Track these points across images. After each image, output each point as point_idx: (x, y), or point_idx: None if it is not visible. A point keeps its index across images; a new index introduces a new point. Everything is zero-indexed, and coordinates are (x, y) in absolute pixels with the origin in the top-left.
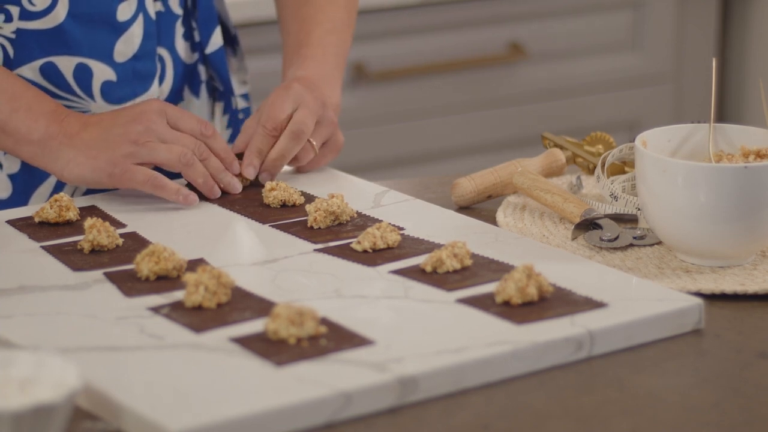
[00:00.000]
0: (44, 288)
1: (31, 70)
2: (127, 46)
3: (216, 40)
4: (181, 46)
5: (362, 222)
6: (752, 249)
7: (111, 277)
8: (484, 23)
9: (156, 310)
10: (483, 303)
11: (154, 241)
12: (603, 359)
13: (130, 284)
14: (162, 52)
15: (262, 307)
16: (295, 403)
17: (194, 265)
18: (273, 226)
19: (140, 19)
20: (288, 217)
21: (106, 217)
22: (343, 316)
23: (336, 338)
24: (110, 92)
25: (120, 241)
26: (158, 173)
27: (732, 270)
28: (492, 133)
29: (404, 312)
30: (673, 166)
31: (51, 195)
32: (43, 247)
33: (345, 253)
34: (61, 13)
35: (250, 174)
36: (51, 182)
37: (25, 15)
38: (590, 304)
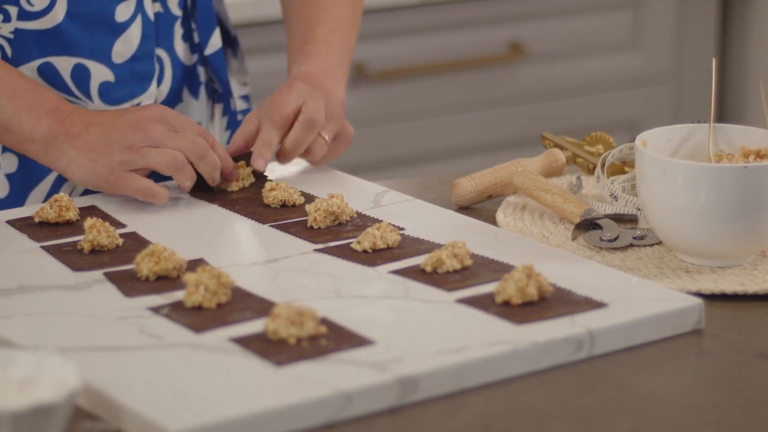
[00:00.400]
0: (44, 288)
1: (28, 70)
2: (126, 46)
3: (215, 42)
4: (180, 47)
5: (362, 222)
6: (752, 249)
7: (111, 277)
8: (484, 23)
9: (156, 310)
10: (483, 303)
11: (154, 241)
12: (603, 359)
13: (130, 284)
14: (160, 53)
15: (262, 307)
16: (295, 403)
17: (194, 265)
18: (273, 226)
19: (139, 19)
20: (288, 217)
21: (106, 217)
22: (343, 316)
23: (336, 338)
24: (108, 93)
25: (120, 241)
26: (151, 182)
27: (732, 270)
28: (492, 133)
29: (404, 312)
30: (673, 166)
31: (48, 194)
32: (43, 247)
33: (345, 253)
34: (59, 14)
35: (260, 166)
36: (48, 182)
37: (24, 15)
38: (590, 304)
